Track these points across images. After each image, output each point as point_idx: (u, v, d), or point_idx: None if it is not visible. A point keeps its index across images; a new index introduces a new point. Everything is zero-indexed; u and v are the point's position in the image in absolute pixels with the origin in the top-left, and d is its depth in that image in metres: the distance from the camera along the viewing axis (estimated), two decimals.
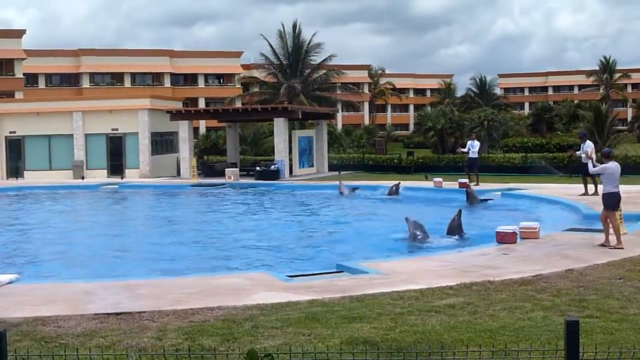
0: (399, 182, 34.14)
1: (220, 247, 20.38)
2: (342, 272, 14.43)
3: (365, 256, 17.10)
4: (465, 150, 35.43)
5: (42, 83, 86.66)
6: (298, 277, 13.87)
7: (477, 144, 34.72)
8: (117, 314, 10.67)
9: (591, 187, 27.15)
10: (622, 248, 15.86)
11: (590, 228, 19.15)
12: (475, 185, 33.16)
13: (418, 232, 19.36)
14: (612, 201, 16.59)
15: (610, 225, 16.50)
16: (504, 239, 16.90)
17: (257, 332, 9.45)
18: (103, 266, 17.55)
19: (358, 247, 19.23)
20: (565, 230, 19.08)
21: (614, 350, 7.88)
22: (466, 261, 14.85)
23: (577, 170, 31.31)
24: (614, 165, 16.76)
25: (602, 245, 16.32)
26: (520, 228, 17.53)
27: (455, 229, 20.07)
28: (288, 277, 13.70)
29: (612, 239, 16.28)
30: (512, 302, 10.99)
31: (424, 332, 9.32)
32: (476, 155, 34.70)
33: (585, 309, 10.49)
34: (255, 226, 24.76)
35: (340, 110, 77.94)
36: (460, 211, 20.46)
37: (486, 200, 29.15)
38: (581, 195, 26.92)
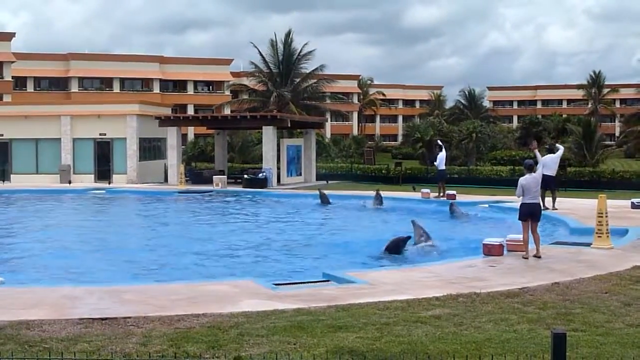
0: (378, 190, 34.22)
1: (206, 253, 20.31)
2: (328, 281, 14.41)
3: (352, 266, 17.10)
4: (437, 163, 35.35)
5: (30, 86, 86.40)
6: (284, 286, 13.83)
7: (439, 155, 34.77)
8: (102, 319, 10.62)
9: (549, 200, 27.21)
10: (527, 258, 16.61)
11: (577, 242, 19.21)
12: (440, 196, 33.49)
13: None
14: (522, 211, 17.29)
15: (530, 235, 17.08)
16: (491, 251, 16.94)
17: (242, 340, 9.41)
18: (88, 270, 17.47)
19: (345, 257, 19.19)
20: (551, 244, 19.11)
21: None
22: (453, 273, 14.85)
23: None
24: (528, 179, 17.24)
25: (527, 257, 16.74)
26: (507, 241, 17.57)
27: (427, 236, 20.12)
28: (274, 285, 13.67)
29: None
30: (498, 314, 11.00)
31: (409, 342, 9.30)
32: (440, 168, 34.76)
33: (571, 322, 10.50)
34: (242, 233, 24.71)
35: (329, 120, 78.07)
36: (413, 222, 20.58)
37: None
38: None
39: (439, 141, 39.81)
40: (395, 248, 19.00)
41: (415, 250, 19.33)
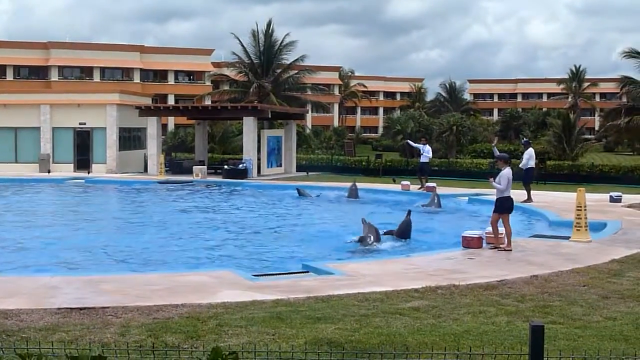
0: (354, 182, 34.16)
1: (185, 244, 20.25)
2: (307, 272, 14.42)
3: (331, 257, 17.10)
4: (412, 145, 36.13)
5: (10, 75, 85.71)
6: (263, 277, 13.83)
7: (428, 148, 34.78)
8: (80, 309, 10.57)
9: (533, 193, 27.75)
10: (511, 250, 16.69)
11: (556, 235, 19.30)
12: (420, 188, 33.51)
13: (370, 236, 19.21)
14: (507, 205, 17.27)
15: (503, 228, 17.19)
16: (470, 243, 16.98)
17: (221, 331, 9.40)
18: (67, 260, 17.37)
19: (324, 248, 19.18)
20: (530, 237, 19.20)
21: (577, 357, 7.95)
22: (432, 265, 14.88)
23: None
24: (510, 173, 17.32)
25: (496, 248, 16.81)
26: (486, 233, 17.60)
27: (403, 231, 20.07)
28: (253, 276, 13.66)
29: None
30: (476, 306, 11.03)
31: (388, 334, 9.32)
32: (426, 160, 34.81)
33: (549, 315, 10.55)
34: (221, 224, 24.66)
35: (310, 111, 77.91)
36: (409, 212, 20.47)
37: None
38: (523, 202, 26.60)
39: (407, 141, 40.73)
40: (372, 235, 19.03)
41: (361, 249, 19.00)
